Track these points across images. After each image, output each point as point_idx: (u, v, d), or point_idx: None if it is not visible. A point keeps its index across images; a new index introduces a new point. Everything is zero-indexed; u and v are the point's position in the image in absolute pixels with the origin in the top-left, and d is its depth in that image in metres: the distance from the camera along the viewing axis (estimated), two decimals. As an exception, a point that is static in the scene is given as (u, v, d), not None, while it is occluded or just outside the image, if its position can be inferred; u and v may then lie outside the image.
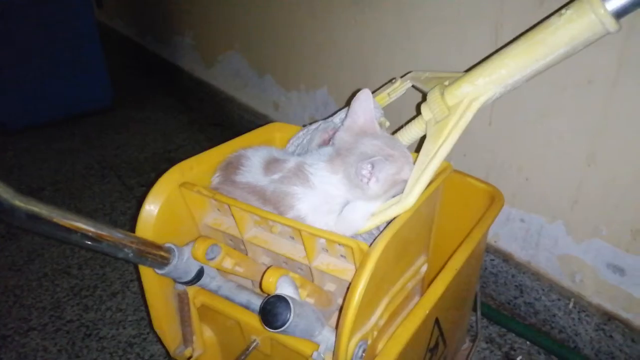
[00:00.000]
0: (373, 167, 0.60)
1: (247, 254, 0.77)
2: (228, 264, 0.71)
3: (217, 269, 0.71)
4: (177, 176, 0.75)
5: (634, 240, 1.05)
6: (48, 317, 1.37)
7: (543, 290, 1.25)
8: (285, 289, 0.60)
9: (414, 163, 0.66)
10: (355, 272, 0.59)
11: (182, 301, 0.76)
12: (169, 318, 0.78)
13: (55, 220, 0.52)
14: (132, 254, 0.62)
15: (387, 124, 0.84)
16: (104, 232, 0.58)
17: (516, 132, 1.18)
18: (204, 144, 2.27)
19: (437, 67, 1.27)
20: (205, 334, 0.82)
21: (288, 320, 0.57)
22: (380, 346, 0.70)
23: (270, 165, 0.70)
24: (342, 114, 0.80)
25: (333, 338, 0.64)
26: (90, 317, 1.36)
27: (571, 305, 1.20)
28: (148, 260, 0.65)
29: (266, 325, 0.57)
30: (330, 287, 0.71)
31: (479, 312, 1.10)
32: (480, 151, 1.28)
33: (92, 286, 1.47)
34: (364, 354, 0.62)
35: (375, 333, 0.66)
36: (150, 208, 0.72)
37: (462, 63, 1.21)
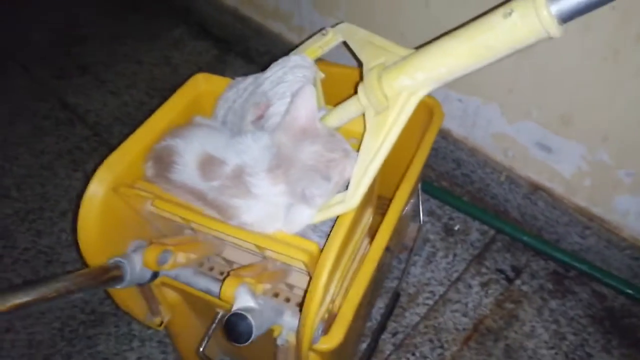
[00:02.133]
0: (318, 191, 0.59)
1: (195, 232, 0.77)
2: (181, 259, 0.72)
3: (172, 266, 0.72)
4: (107, 177, 0.70)
5: (562, 123, 1.10)
6: (1, 248, 1.37)
7: (478, 164, 1.34)
8: (243, 301, 0.63)
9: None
10: (310, 282, 0.62)
11: (143, 287, 0.78)
12: (133, 296, 0.80)
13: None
14: (86, 288, 0.61)
15: (322, 75, 0.78)
16: (49, 289, 0.57)
17: (455, 17, 1.12)
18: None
19: None
20: (170, 298, 0.86)
21: (251, 336, 0.61)
22: (337, 302, 0.77)
23: (206, 166, 0.66)
24: (273, 76, 0.73)
25: (293, 320, 0.69)
26: (45, 242, 1.37)
27: (502, 177, 1.30)
28: (104, 284, 0.65)
29: (232, 342, 0.61)
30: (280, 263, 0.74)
31: (421, 204, 1.18)
32: (420, 33, 1.22)
33: (37, 208, 1.44)
34: (322, 333, 0.69)
35: (331, 306, 0.72)
36: (88, 221, 0.69)
37: None
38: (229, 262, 0.84)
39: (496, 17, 0.50)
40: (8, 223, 1.42)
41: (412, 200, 1.17)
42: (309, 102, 0.63)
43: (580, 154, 1.11)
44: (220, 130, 0.75)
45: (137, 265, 0.68)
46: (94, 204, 0.69)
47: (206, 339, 0.76)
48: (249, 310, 0.62)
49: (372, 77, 0.60)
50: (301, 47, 0.78)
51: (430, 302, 1.22)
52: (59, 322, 1.23)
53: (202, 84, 0.83)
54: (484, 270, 1.26)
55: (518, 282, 1.24)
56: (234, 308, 0.63)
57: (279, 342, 0.68)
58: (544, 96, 1.09)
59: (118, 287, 0.67)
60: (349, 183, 0.64)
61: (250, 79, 0.77)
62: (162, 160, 0.69)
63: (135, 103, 1.61)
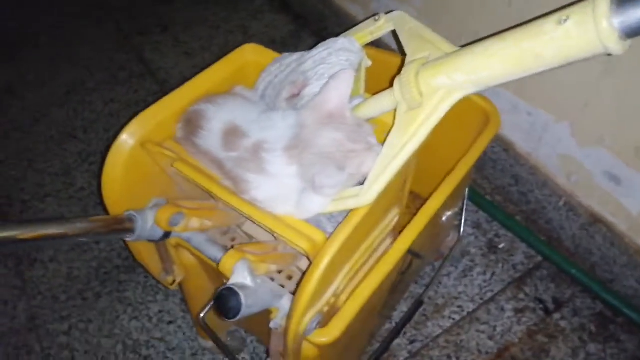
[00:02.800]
0: (327, 179, 0.56)
1: (216, 202, 0.77)
2: (194, 223, 0.72)
3: (185, 229, 0.72)
4: (138, 131, 0.71)
5: (636, 156, 1.00)
6: (61, 184, 1.45)
7: (538, 184, 1.25)
8: (239, 276, 0.62)
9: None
10: (308, 268, 0.60)
11: (158, 244, 0.80)
12: (149, 250, 0.82)
13: (17, 237, 0.54)
14: (96, 236, 0.63)
15: (369, 63, 0.74)
16: (63, 228, 0.59)
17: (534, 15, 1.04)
18: None
19: None
20: (186, 259, 0.87)
21: (239, 313, 0.60)
22: (343, 298, 0.74)
23: (229, 137, 0.65)
24: (317, 55, 0.71)
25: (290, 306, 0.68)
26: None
27: (562, 202, 1.21)
28: (115, 234, 0.66)
29: (220, 316, 0.61)
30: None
31: (464, 211, 1.12)
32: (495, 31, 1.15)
33: (98, 152, 1.52)
34: (318, 325, 0.66)
35: (333, 300, 0.69)
36: (114, 171, 0.70)
37: None
38: (249, 236, 0.84)
39: (550, 23, 0.45)
40: (71, 162, 1.50)
41: (455, 208, 1.11)
42: (343, 88, 0.60)
43: (652, 192, 1.00)
44: (256, 103, 0.74)
45: (149, 222, 0.69)
46: (121, 156, 0.70)
47: (209, 306, 0.76)
48: (244, 287, 0.61)
49: (410, 71, 0.56)
50: (352, 30, 0.74)
51: (457, 317, 1.16)
52: (96, 262, 1.30)
53: (250, 54, 0.82)
54: (521, 295, 1.18)
55: (557, 315, 1.15)
56: (229, 282, 0.62)
57: (272, 325, 0.67)
58: (622, 121, 0.99)
59: (129, 239, 0.69)
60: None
61: (295, 56, 0.75)
62: (191, 123, 0.69)
63: (205, 66, 1.63)
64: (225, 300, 0.60)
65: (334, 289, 0.68)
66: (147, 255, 0.82)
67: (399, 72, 0.59)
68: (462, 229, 1.15)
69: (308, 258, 0.62)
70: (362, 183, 0.60)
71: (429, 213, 0.78)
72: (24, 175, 1.47)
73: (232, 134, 0.65)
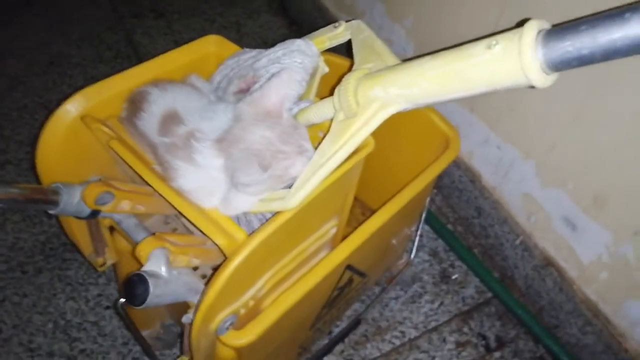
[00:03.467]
0: (245, 181, 0.55)
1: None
2: (125, 206, 0.71)
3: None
4: (81, 104, 0.69)
5: (595, 204, 0.99)
6: (24, 153, 1.43)
7: (499, 219, 1.24)
8: (153, 264, 0.60)
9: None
10: (222, 264, 0.58)
11: (90, 223, 0.78)
12: (80, 230, 0.80)
13: None
14: (15, 203, 0.61)
15: (326, 69, 0.73)
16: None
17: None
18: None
19: None
20: (120, 243, 0.85)
21: (145, 301, 0.58)
22: (266, 303, 0.72)
23: (167, 122, 0.63)
24: (272, 54, 0.70)
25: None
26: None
27: (518, 241, 1.20)
28: (38, 203, 0.64)
29: (126, 301, 0.59)
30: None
31: (418, 233, 1.10)
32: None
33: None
34: (231, 326, 0.65)
35: (252, 302, 0.67)
36: (50, 139, 0.69)
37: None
38: (188, 229, 0.82)
39: (479, 46, 0.44)
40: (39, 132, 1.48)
41: (408, 230, 1.10)
42: (283, 87, 0.59)
43: (604, 242, 0.99)
44: (204, 94, 0.73)
45: (76, 197, 0.67)
46: (60, 125, 0.69)
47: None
48: (155, 275, 0.60)
49: (350, 80, 0.55)
50: (312, 34, 0.73)
51: (397, 342, 1.14)
52: (44, 236, 1.27)
53: (213, 45, 0.81)
54: (466, 329, 1.17)
55: (497, 354, 1.13)
56: (142, 269, 0.60)
57: (184, 319, 0.65)
58: (585, 168, 0.98)
59: (51, 212, 0.67)
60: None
61: (254, 52, 0.74)
62: (134, 104, 0.68)
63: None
64: (132, 286, 0.58)
65: (254, 291, 0.66)
66: (78, 232, 0.80)
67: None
68: (413, 253, 1.13)
69: (225, 255, 0.60)
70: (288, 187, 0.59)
71: (369, 229, 0.76)
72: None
73: (170, 120, 0.63)
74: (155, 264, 0.60)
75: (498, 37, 0.43)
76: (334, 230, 0.78)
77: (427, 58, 0.49)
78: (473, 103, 1.22)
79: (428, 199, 1.07)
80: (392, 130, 1.00)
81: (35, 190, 0.64)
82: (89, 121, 0.68)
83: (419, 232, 1.11)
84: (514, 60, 0.41)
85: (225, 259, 0.60)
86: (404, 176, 0.89)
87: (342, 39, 0.69)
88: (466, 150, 1.30)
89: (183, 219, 0.82)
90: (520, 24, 0.42)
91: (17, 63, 1.67)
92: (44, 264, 1.22)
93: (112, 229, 0.82)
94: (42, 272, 1.21)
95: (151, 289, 0.58)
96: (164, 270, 0.61)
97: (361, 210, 1.22)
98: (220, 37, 0.81)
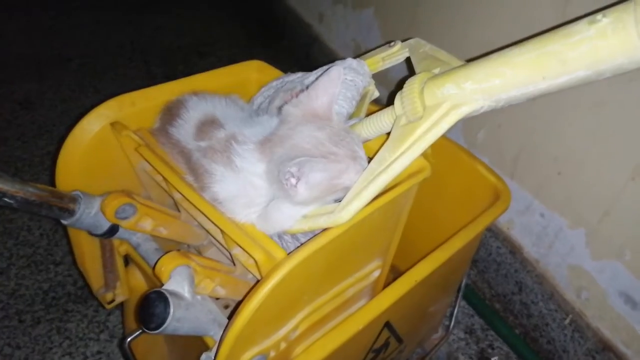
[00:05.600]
0: (299, 169, 0.47)
1: (179, 212, 0.68)
2: (147, 225, 0.63)
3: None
4: (113, 111, 0.64)
5: (659, 276, 0.89)
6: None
7: (543, 295, 1.12)
8: (176, 284, 0.52)
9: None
10: (255, 285, 0.49)
11: (104, 247, 0.70)
12: (93, 258, 0.72)
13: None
14: (30, 205, 0.54)
15: (377, 94, 0.68)
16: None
17: (562, 115, 0.98)
18: (242, 41, 2.11)
19: (491, 22, 1.06)
20: (134, 279, 0.76)
21: (164, 324, 0.48)
22: (298, 350, 0.62)
23: (204, 127, 0.58)
24: (321, 71, 0.65)
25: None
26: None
27: (568, 320, 1.08)
28: (54, 210, 0.57)
29: (140, 322, 0.49)
30: (252, 276, 0.61)
31: (457, 307, 1.00)
32: (518, 126, 1.10)
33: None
34: (259, 369, 0.54)
35: (283, 345, 0.57)
36: (75, 144, 0.63)
37: (518, 24, 1.00)
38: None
39: (581, 24, 0.38)
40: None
41: (445, 299, 0.99)
42: (332, 86, 0.53)
43: (673, 322, 0.88)
44: (244, 109, 0.68)
45: (94, 208, 0.60)
46: (88, 130, 0.64)
47: (139, 331, 0.64)
48: (177, 295, 0.51)
49: (414, 82, 0.50)
50: (366, 54, 0.70)
51: None
52: (48, 284, 1.18)
53: (255, 70, 0.78)
54: (509, 420, 1.01)
55: None
56: (163, 287, 0.51)
57: (204, 358, 0.54)
58: (646, 235, 0.90)
59: (65, 222, 0.59)
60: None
61: (299, 74, 0.70)
62: (170, 112, 0.63)
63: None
64: (150, 304, 0.49)
65: (287, 330, 0.56)
66: (90, 260, 0.72)
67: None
68: (451, 326, 1.02)
69: (260, 273, 0.51)
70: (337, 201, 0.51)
71: (413, 279, 0.67)
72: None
73: (209, 125, 0.58)
74: (178, 284, 0.52)
75: (602, 12, 0.38)
76: (376, 274, 0.69)
77: (511, 48, 0.43)
78: (514, 168, 1.15)
79: (468, 269, 0.98)
80: (431, 182, 0.94)
81: (53, 194, 0.57)
82: (118, 128, 0.63)
83: (458, 303, 1.01)
84: (627, 31, 0.35)
85: (258, 282, 0.51)
86: (440, 234, 0.81)
87: (398, 59, 0.65)
88: (505, 219, 1.22)
89: (206, 254, 0.74)
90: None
91: (47, 113, 1.67)
92: (43, 314, 1.12)
93: (126, 262, 0.74)
94: (40, 323, 1.10)
95: (171, 309, 0.49)
96: (187, 290, 0.52)
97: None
98: (262, 62, 0.78)
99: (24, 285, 1.17)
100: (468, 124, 1.22)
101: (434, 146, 0.83)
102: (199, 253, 0.73)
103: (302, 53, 1.98)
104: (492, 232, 1.23)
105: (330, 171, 0.49)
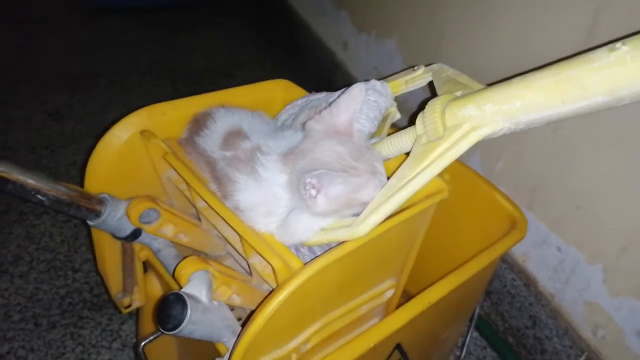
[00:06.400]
0: (319, 181, 0.49)
1: (200, 221, 0.69)
2: (168, 231, 0.65)
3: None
4: (143, 120, 0.67)
5: (679, 316, 0.87)
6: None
7: (557, 331, 1.11)
8: (194, 287, 0.53)
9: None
10: (270, 293, 0.50)
11: (126, 252, 0.72)
12: (114, 262, 0.74)
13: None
14: (59, 203, 0.56)
15: (398, 116, 0.70)
16: (29, 178, 0.53)
17: (581, 149, 0.99)
18: (268, 65, 2.17)
19: (515, 52, 1.08)
20: (151, 286, 0.77)
21: (180, 325, 0.50)
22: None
23: (230, 138, 0.60)
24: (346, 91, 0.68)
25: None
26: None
27: (583, 358, 1.05)
28: (81, 210, 0.59)
29: (158, 323, 0.50)
30: (268, 287, 0.63)
31: (469, 337, 0.99)
32: (537, 158, 1.10)
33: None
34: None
35: (295, 357, 0.58)
36: (105, 150, 0.66)
37: (541, 54, 1.01)
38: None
39: (601, 51, 0.40)
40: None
41: (458, 328, 0.99)
42: (353, 103, 0.55)
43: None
44: (269, 124, 0.70)
45: (120, 211, 0.62)
46: (118, 137, 0.66)
47: (155, 335, 0.65)
48: (195, 299, 0.52)
49: (436, 102, 0.52)
50: (389, 77, 0.72)
51: None
52: (65, 290, 1.20)
53: (281, 88, 0.80)
54: None
55: None
56: (182, 290, 0.53)
57: (216, 363, 0.55)
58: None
59: (91, 223, 0.61)
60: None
61: (324, 93, 0.72)
62: (197, 123, 0.65)
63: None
64: (168, 306, 0.50)
65: (299, 341, 0.57)
66: (111, 264, 0.74)
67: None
68: (462, 356, 1.01)
69: (275, 281, 0.52)
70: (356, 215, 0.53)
71: (426, 301, 0.67)
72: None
73: (235, 136, 0.60)
74: (196, 288, 0.53)
75: (624, 40, 0.39)
76: (389, 293, 0.69)
77: (533, 72, 0.45)
78: (532, 200, 1.15)
79: (481, 298, 0.97)
80: (447, 207, 0.94)
81: (82, 195, 0.59)
82: (147, 135, 0.65)
83: (470, 333, 1.00)
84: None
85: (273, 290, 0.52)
86: (454, 261, 0.81)
87: (420, 83, 0.67)
88: (521, 252, 1.21)
89: (226, 263, 0.75)
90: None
91: (75, 125, 1.73)
92: (59, 319, 1.14)
93: (145, 269, 0.76)
94: (55, 328, 1.12)
95: (189, 311, 0.50)
96: (205, 295, 0.53)
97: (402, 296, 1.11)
98: (289, 81, 0.80)
99: (42, 290, 1.19)
100: (487, 153, 1.23)
101: (452, 172, 0.85)
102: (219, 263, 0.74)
103: (325, 79, 2.02)
104: (508, 263, 1.22)
105: (349, 185, 0.51)
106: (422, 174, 0.50)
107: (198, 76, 2.08)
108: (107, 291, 0.77)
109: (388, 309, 0.72)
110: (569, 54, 0.44)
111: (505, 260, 1.23)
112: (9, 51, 2.13)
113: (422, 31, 1.42)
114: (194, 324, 0.51)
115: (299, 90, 0.79)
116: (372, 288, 0.65)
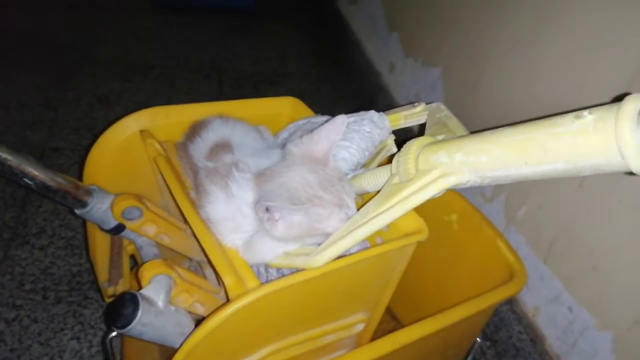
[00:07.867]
0: (274, 209, 0.49)
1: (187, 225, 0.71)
2: (150, 230, 0.67)
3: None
4: (146, 120, 0.69)
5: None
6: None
7: (558, 395, 1.05)
8: (153, 290, 0.54)
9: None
10: (218, 308, 0.50)
11: (114, 244, 0.74)
12: (103, 251, 0.76)
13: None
14: (48, 190, 0.59)
15: (394, 149, 0.69)
16: (23, 163, 0.56)
17: (605, 208, 0.93)
18: (313, 79, 2.18)
19: (554, 93, 1.03)
20: (136, 281, 0.79)
21: (128, 325, 0.51)
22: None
23: (217, 149, 0.61)
24: (350, 119, 0.67)
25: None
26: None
27: None
28: (69, 198, 0.62)
29: (108, 319, 0.52)
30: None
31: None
32: (559, 210, 1.05)
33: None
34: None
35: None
36: (106, 144, 0.68)
37: (579, 97, 0.97)
38: (204, 276, 0.75)
39: (567, 117, 0.38)
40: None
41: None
42: (334, 133, 0.55)
43: None
44: (264, 140, 0.70)
45: (105, 204, 0.64)
46: (119, 133, 0.69)
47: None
48: (150, 302, 0.53)
49: (412, 145, 0.51)
50: (390, 110, 0.71)
51: None
52: (77, 268, 1.25)
53: (289, 106, 0.81)
54: None
55: None
56: (140, 291, 0.54)
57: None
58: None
59: (77, 211, 0.64)
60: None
61: (326, 117, 0.72)
62: (194, 129, 0.67)
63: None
64: (121, 305, 0.51)
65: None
66: (100, 252, 0.76)
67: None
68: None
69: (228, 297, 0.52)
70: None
71: (398, 342, 0.65)
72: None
73: (221, 148, 0.61)
74: (155, 291, 0.54)
75: (591, 109, 0.37)
76: (359, 327, 0.67)
77: (503, 128, 0.43)
78: (549, 253, 1.10)
79: (477, 343, 0.93)
80: (452, 246, 0.91)
81: (72, 185, 0.62)
82: (145, 135, 0.67)
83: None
84: (607, 133, 0.35)
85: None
86: (450, 298, 0.79)
87: (418, 119, 0.66)
88: (532, 305, 1.15)
89: (207, 271, 0.76)
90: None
91: (120, 112, 1.80)
92: (65, 295, 1.18)
93: (135, 264, 0.78)
94: (61, 303, 1.16)
95: (139, 313, 0.51)
96: (162, 299, 0.54)
97: (389, 319, 1.09)
98: (298, 100, 0.81)
99: (56, 265, 1.25)
100: (512, 197, 1.19)
101: (461, 213, 0.82)
102: (200, 268, 0.76)
103: (367, 98, 2.02)
104: (517, 314, 1.17)
105: (311, 215, 0.51)
106: (385, 213, 0.48)
107: (243, 80, 2.12)
108: (94, 277, 0.79)
109: (359, 342, 0.70)
110: (606, 100, 0.42)
111: (515, 311, 1.17)
112: (74, 33, 2.26)
113: (465, 63, 1.39)
114: (143, 325, 0.52)
115: (306, 110, 0.79)
116: (339, 319, 0.64)
